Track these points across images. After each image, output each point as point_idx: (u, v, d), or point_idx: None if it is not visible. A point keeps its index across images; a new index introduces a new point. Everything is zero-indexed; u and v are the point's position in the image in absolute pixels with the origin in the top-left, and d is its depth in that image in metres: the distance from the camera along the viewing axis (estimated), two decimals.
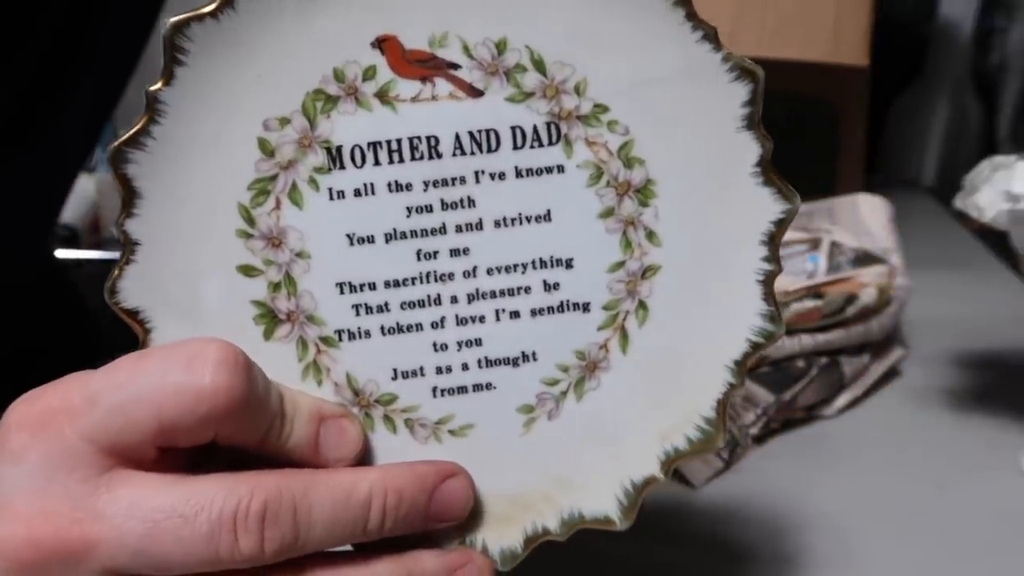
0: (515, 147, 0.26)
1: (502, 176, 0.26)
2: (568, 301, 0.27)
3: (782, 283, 0.56)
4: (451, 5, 0.25)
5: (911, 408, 0.54)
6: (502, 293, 0.27)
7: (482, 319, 0.27)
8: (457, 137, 0.25)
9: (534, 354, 0.27)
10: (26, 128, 0.47)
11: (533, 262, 0.26)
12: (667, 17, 0.25)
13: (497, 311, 0.27)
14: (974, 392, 0.56)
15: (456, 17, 0.25)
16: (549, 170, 0.26)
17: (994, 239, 0.87)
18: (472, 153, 0.26)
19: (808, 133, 0.85)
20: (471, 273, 0.26)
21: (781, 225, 0.26)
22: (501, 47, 0.25)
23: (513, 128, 0.26)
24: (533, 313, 0.27)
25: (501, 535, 0.28)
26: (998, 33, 1.16)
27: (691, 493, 0.46)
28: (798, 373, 0.51)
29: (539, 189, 0.26)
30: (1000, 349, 0.62)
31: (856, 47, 0.74)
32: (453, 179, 0.26)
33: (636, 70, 0.25)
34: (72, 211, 1.45)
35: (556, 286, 0.27)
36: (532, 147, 0.26)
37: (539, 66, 0.25)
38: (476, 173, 0.26)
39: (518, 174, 0.26)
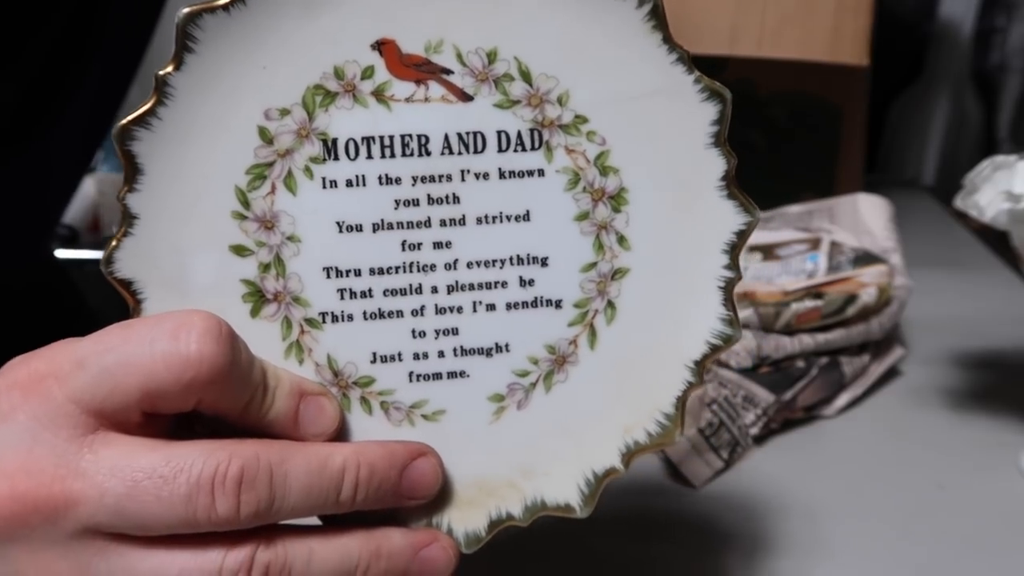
0: (500, 150, 0.27)
1: (486, 176, 0.27)
2: (542, 297, 0.28)
3: (783, 283, 0.56)
4: (447, 15, 0.26)
5: (911, 408, 0.54)
6: (480, 286, 0.28)
7: (460, 310, 0.28)
8: (446, 137, 0.27)
9: (507, 346, 0.29)
10: (28, 129, 0.47)
11: (511, 258, 0.28)
12: (646, 40, 0.27)
13: (475, 303, 0.28)
14: (974, 392, 0.56)
15: (451, 26, 0.27)
16: (530, 173, 0.28)
17: (994, 239, 0.87)
18: (459, 153, 0.27)
19: (808, 133, 0.85)
20: (452, 266, 0.28)
21: (742, 236, 0.28)
22: (492, 57, 0.27)
23: (499, 132, 0.27)
24: (508, 307, 0.28)
25: (466, 518, 0.29)
26: (998, 32, 1.16)
27: (691, 493, 0.46)
28: (798, 373, 0.51)
29: (520, 190, 0.28)
30: (1000, 349, 0.62)
31: (856, 46, 0.74)
32: (440, 176, 0.27)
33: (615, 86, 0.27)
34: (72, 211, 1.45)
35: (531, 282, 0.28)
36: (515, 151, 0.27)
37: (526, 76, 0.27)
38: (462, 172, 0.27)
39: (501, 175, 0.28)
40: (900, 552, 0.40)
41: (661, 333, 0.29)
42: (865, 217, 0.68)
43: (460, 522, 0.29)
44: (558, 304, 0.28)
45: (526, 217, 0.28)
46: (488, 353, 0.29)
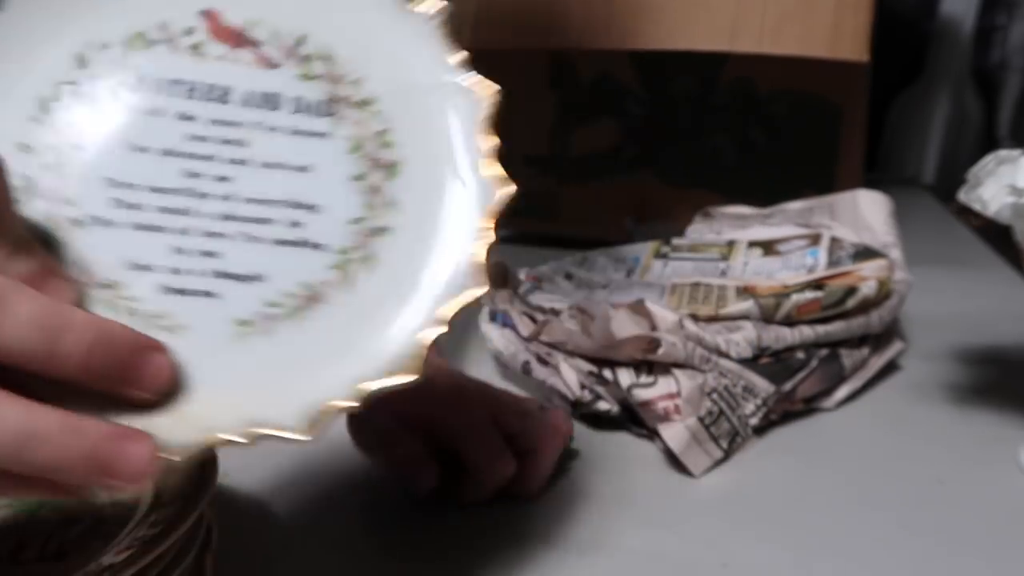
0: (293, 112, 0.31)
1: (276, 129, 0.31)
2: (307, 239, 0.30)
3: (783, 278, 0.56)
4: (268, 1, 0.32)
5: (911, 402, 0.54)
6: (250, 220, 0.30)
7: (226, 236, 0.30)
8: (248, 93, 0.31)
9: (264, 276, 0.30)
10: None
11: (285, 201, 0.31)
12: (432, 41, 0.32)
13: (241, 233, 0.30)
14: (974, 387, 0.56)
15: (271, 9, 0.32)
16: (317, 135, 0.31)
17: (994, 237, 0.87)
18: (256, 108, 0.31)
19: (808, 131, 0.85)
20: (227, 198, 0.30)
21: (496, 210, 0.31)
22: (301, 40, 0.32)
23: (295, 98, 0.31)
24: (273, 242, 0.30)
25: (182, 430, 0.27)
26: (998, 31, 1.16)
27: (690, 482, 0.46)
28: (798, 364, 0.51)
29: (305, 145, 0.31)
30: (999, 344, 0.62)
31: (857, 43, 0.74)
32: (234, 122, 0.31)
33: (403, 77, 0.32)
34: None
35: (300, 224, 0.30)
36: (308, 115, 0.31)
37: (328, 60, 0.32)
38: (255, 123, 0.31)
39: (290, 132, 0.31)
40: (899, 545, 0.40)
41: (415, 286, 0.30)
42: (865, 213, 0.68)
43: (174, 432, 0.27)
44: (321, 247, 0.30)
45: (307, 169, 0.31)
46: (243, 280, 0.30)
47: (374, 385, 0.29)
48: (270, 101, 0.31)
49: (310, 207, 0.30)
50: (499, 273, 0.62)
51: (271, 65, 0.31)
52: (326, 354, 0.29)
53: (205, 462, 0.37)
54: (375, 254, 0.30)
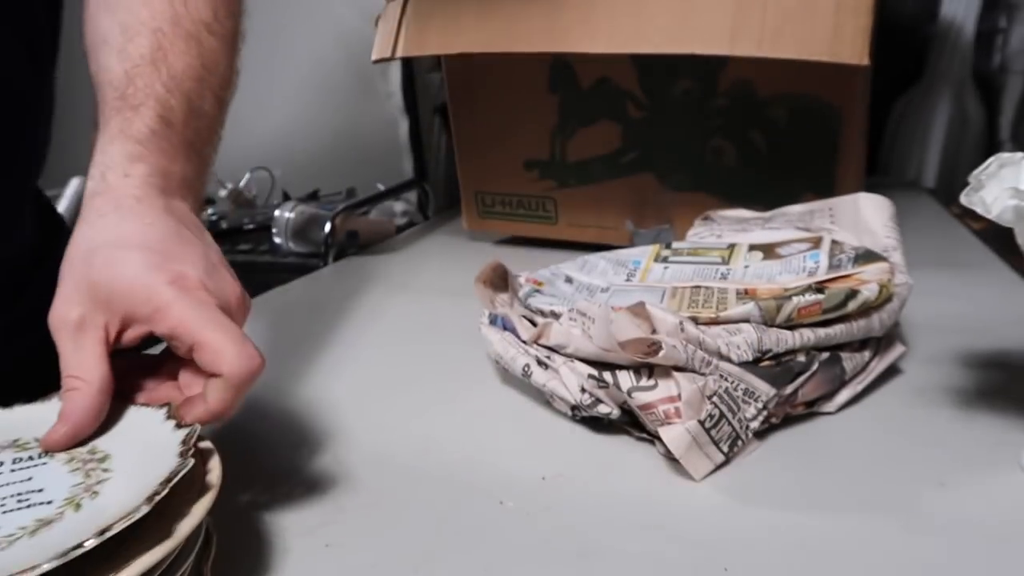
0: (13, 463, 0.39)
1: (20, 460, 0.39)
2: (33, 502, 0.36)
3: (783, 281, 0.56)
4: None
5: (913, 405, 0.54)
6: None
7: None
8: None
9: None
10: None
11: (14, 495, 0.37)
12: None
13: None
14: (976, 390, 0.56)
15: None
16: (41, 463, 0.39)
17: (995, 239, 0.87)
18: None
19: (808, 133, 0.85)
20: None
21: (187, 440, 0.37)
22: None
23: (14, 458, 0.39)
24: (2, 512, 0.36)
25: None
26: (999, 33, 1.16)
27: (691, 485, 0.46)
28: (799, 368, 0.50)
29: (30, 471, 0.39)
30: (1001, 348, 0.62)
31: (857, 46, 0.73)
32: None
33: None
34: (73, 213, 1.45)
35: (25, 497, 0.37)
36: (29, 459, 0.39)
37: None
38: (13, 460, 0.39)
39: (13, 466, 0.39)
40: (900, 548, 0.40)
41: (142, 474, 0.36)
42: (866, 216, 0.68)
43: None
44: (50, 503, 0.36)
45: (30, 479, 0.38)
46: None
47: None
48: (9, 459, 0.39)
49: (38, 490, 0.37)
50: (499, 276, 0.61)
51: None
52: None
53: (207, 467, 0.37)
54: (97, 489, 0.36)
